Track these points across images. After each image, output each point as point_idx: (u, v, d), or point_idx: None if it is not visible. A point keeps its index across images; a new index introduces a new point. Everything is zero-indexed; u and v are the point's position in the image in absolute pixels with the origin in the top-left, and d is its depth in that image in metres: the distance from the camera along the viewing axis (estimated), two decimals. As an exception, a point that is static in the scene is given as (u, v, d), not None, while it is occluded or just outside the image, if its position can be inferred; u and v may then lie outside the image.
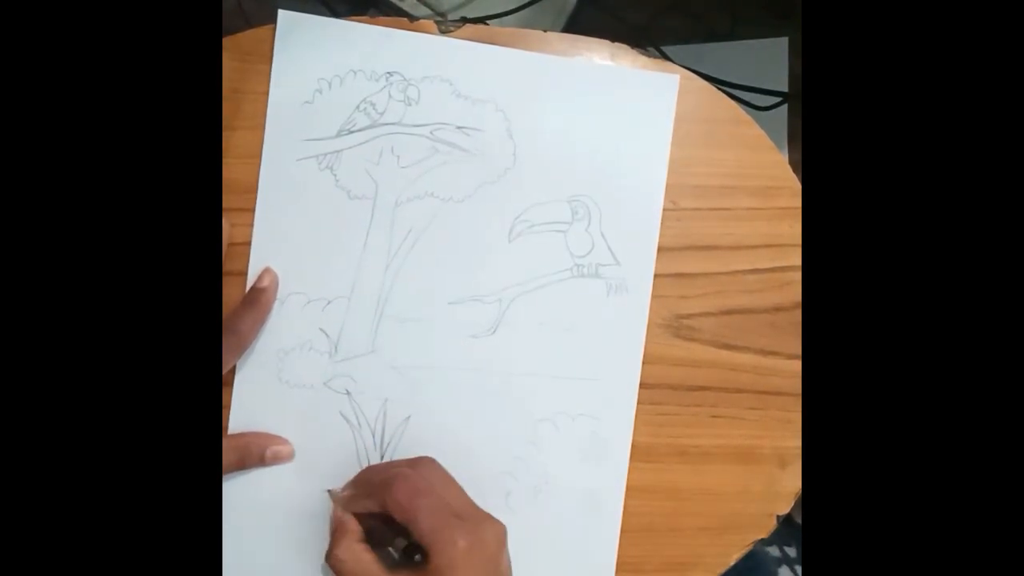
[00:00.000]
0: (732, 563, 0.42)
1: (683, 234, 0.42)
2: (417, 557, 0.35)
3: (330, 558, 0.36)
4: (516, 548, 0.41)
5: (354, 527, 0.37)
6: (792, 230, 0.42)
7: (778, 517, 0.42)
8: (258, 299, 0.39)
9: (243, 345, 0.40)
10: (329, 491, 0.39)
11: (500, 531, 0.36)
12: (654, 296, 0.42)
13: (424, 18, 0.42)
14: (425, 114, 0.41)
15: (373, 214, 0.41)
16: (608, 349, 0.41)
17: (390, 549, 0.36)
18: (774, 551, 0.79)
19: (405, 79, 0.41)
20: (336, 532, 0.37)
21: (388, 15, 0.42)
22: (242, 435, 0.40)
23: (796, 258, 0.42)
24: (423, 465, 0.38)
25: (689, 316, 0.42)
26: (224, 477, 0.40)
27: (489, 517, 0.36)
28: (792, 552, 0.80)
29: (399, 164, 0.41)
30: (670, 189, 0.42)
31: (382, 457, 0.41)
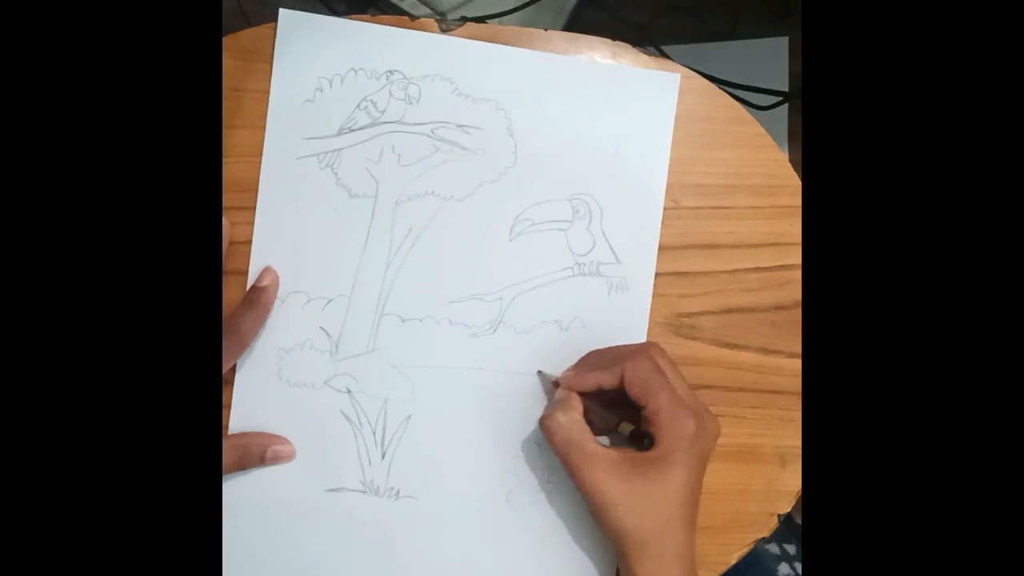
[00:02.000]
0: (733, 562, 0.42)
1: (684, 233, 0.42)
2: (646, 441, 0.35)
3: (547, 421, 0.36)
4: (517, 547, 0.41)
5: (576, 403, 0.37)
6: (793, 229, 0.42)
7: (779, 516, 0.42)
8: (258, 298, 0.39)
9: (243, 344, 0.40)
10: (540, 372, 0.40)
11: (718, 427, 0.36)
12: (655, 295, 0.42)
13: (424, 17, 0.42)
14: (426, 112, 0.41)
15: (374, 213, 0.41)
16: (609, 348, 0.41)
17: (619, 429, 0.36)
18: (773, 548, 0.79)
19: (406, 77, 0.41)
20: (559, 403, 0.37)
21: (388, 15, 0.42)
22: (242, 435, 0.40)
23: (797, 257, 0.42)
24: (657, 347, 0.37)
25: (690, 315, 0.42)
26: (224, 477, 0.40)
27: (710, 411, 0.37)
28: (791, 549, 0.79)
29: (400, 163, 0.41)
30: (671, 188, 0.42)
31: (383, 457, 0.41)
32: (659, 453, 0.35)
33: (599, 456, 0.35)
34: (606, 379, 0.37)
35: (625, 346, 0.39)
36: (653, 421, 0.35)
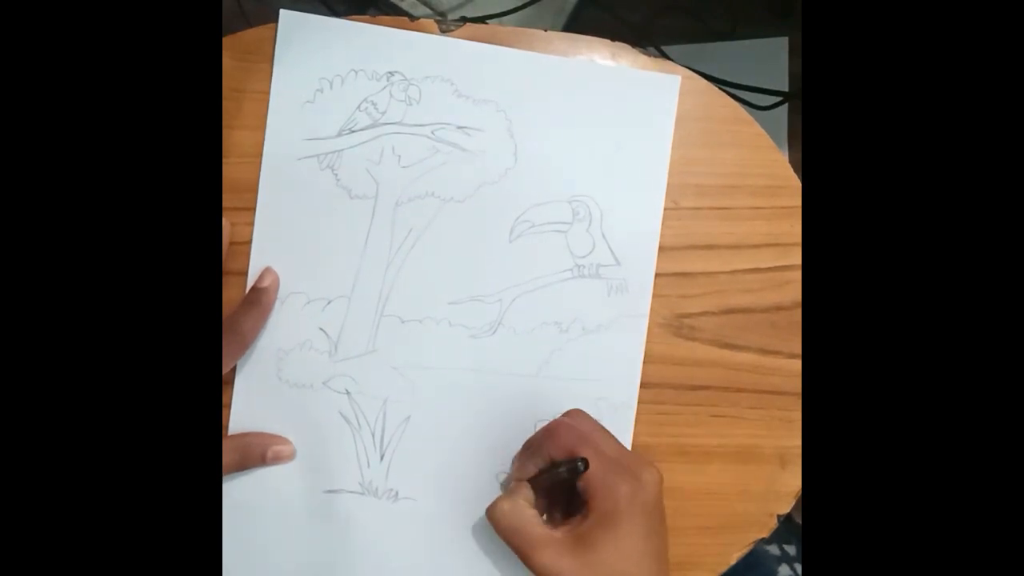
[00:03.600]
0: (733, 562, 0.42)
1: (684, 233, 0.42)
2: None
3: (491, 510, 0.37)
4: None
5: (524, 490, 0.37)
6: (793, 229, 0.42)
7: (779, 517, 0.42)
8: (259, 299, 0.39)
9: (244, 345, 0.40)
10: (502, 483, 0.41)
11: (657, 475, 0.36)
12: (655, 295, 0.42)
13: (424, 17, 0.42)
14: (426, 114, 0.41)
15: (374, 214, 0.41)
16: (608, 350, 0.41)
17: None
18: (774, 549, 0.79)
19: (406, 79, 0.41)
20: (507, 492, 0.38)
21: (387, 15, 0.42)
22: (243, 435, 0.40)
23: (797, 257, 0.42)
24: (578, 416, 0.38)
25: (690, 315, 0.42)
26: (225, 477, 0.40)
27: (645, 461, 0.36)
28: (792, 550, 0.79)
29: (400, 164, 0.41)
30: (671, 189, 0.42)
31: (381, 458, 0.41)
32: (600, 519, 0.34)
33: (544, 539, 0.35)
34: (540, 462, 0.37)
35: (546, 425, 0.39)
36: (588, 488, 0.35)
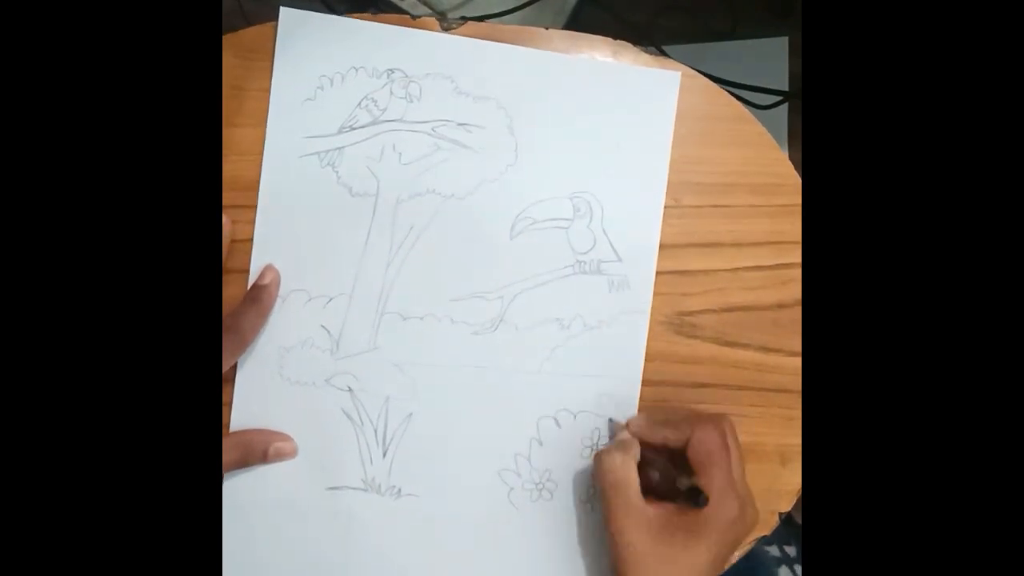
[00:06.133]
0: (734, 560, 0.41)
1: (685, 231, 0.42)
2: (701, 499, 0.35)
3: (604, 456, 0.37)
4: (518, 545, 0.41)
5: (636, 450, 0.37)
6: (793, 227, 0.42)
7: (780, 515, 0.42)
8: (260, 296, 0.39)
9: (245, 343, 0.40)
10: (610, 420, 0.40)
11: (757, 520, 0.37)
12: (656, 293, 0.42)
13: (424, 16, 0.42)
14: (427, 111, 0.41)
15: (375, 211, 0.41)
16: (610, 346, 0.41)
17: (677, 484, 0.36)
18: (774, 551, 0.79)
19: (407, 76, 0.41)
20: (620, 443, 0.38)
21: (387, 14, 0.42)
22: (244, 432, 0.40)
23: (797, 255, 0.42)
24: (730, 424, 0.38)
25: (691, 313, 0.42)
26: (226, 474, 0.40)
27: (753, 499, 0.37)
28: (792, 552, 0.79)
29: (401, 161, 0.41)
30: (672, 186, 0.42)
31: (384, 455, 0.41)
32: (696, 525, 0.35)
33: (636, 508, 0.35)
34: (672, 437, 0.37)
35: (698, 411, 0.40)
36: (705, 490, 0.36)
